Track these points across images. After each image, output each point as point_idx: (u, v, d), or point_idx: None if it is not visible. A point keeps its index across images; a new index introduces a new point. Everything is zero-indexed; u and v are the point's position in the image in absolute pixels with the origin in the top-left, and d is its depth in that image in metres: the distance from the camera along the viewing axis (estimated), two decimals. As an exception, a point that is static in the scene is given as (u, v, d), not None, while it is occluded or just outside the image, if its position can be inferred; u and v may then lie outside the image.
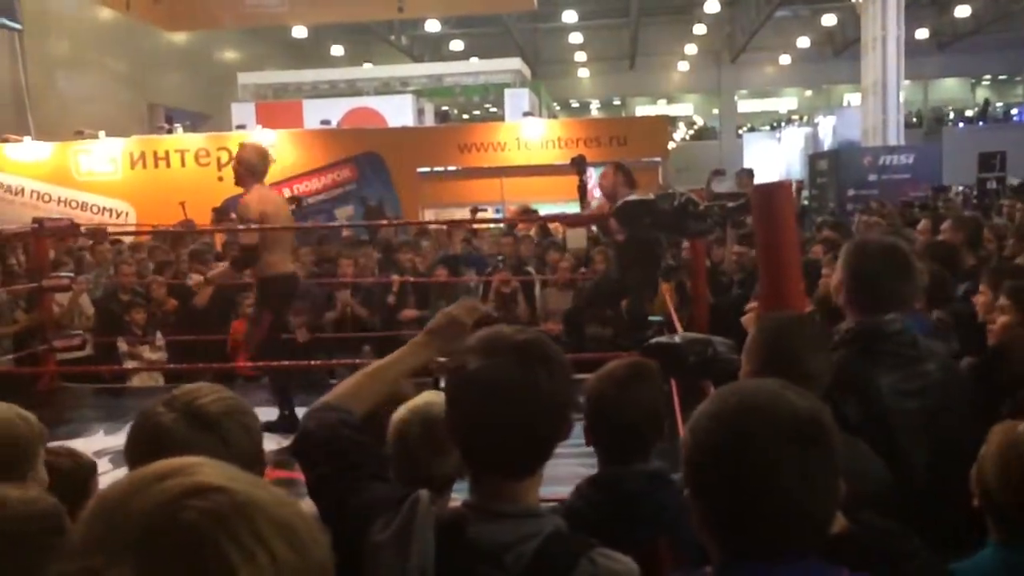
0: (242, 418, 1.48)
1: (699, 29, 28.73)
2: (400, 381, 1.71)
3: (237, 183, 5.57)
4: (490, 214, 12.98)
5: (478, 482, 1.35)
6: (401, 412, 2.00)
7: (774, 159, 25.70)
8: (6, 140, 13.82)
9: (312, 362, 6.20)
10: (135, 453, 1.47)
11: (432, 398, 2.00)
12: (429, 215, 13.47)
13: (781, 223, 2.10)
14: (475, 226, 10.26)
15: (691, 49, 30.67)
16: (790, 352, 1.81)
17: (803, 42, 29.65)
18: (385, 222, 11.16)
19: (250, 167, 5.55)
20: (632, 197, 2.75)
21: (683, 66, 32.29)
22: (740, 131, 32.36)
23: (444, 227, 9.89)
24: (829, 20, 27.82)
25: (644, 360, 2.20)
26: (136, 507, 0.62)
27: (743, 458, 1.10)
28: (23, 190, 13.61)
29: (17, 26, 13.38)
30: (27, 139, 14.19)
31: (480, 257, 8.61)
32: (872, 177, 15.25)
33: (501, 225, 10.22)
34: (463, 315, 1.71)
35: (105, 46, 18.52)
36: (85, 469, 2.12)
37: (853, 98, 27.54)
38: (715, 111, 34.12)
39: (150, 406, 1.49)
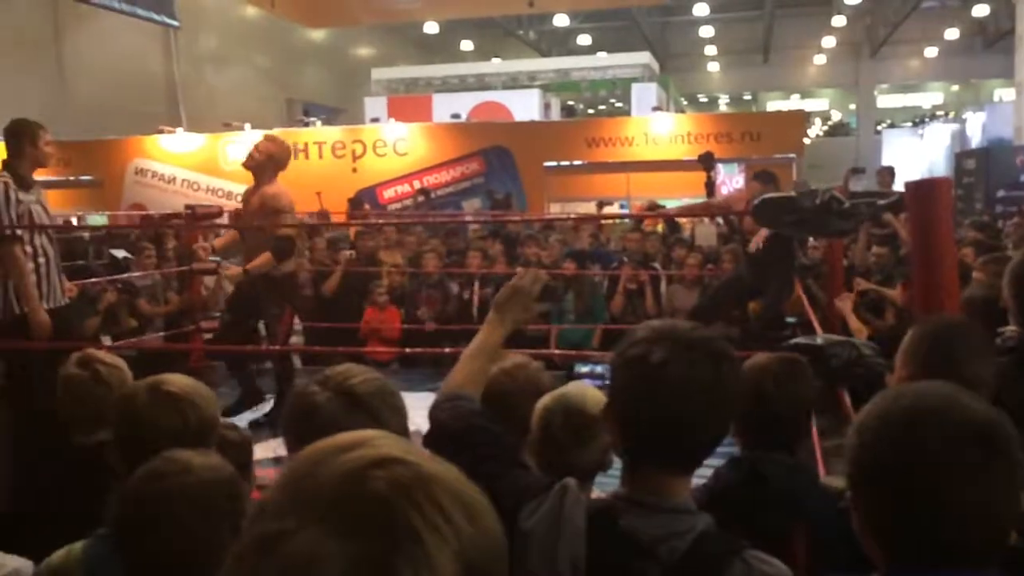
0: (390, 399, 1.56)
1: (838, 21, 27.58)
2: (495, 356, 1.74)
3: (256, 173, 5.59)
4: (615, 209, 12.93)
5: (634, 474, 1.33)
6: (545, 401, 2.03)
7: (915, 157, 24.44)
8: (160, 131, 14.73)
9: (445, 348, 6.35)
10: (291, 428, 1.57)
11: (578, 389, 2.03)
12: (555, 209, 13.53)
13: (938, 222, 2.01)
14: (601, 221, 10.24)
15: (828, 42, 29.49)
16: (951, 357, 1.73)
17: (951, 34, 28.01)
18: (514, 216, 11.26)
19: (277, 160, 5.63)
20: (772, 194, 2.69)
21: (819, 59, 31.09)
22: (879, 127, 30.92)
23: (569, 221, 9.91)
24: (981, 10, 26.15)
25: (798, 356, 2.16)
26: (324, 475, 0.65)
27: (913, 463, 1.06)
28: (175, 178, 14.47)
29: (175, 23, 14.22)
30: (179, 130, 15.09)
31: (606, 252, 8.59)
32: (1024, 178, 14.32)
33: (626, 220, 10.15)
34: (528, 285, 1.73)
35: (250, 43, 19.49)
36: (248, 443, 2.27)
37: (1005, 93, 25.84)
38: (852, 106, 32.72)
39: (304, 385, 1.58)
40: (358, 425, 1.43)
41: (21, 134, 4.68)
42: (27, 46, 14.47)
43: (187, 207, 8.18)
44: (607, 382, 2.60)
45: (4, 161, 4.73)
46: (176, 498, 1.45)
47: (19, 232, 4.55)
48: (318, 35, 21.86)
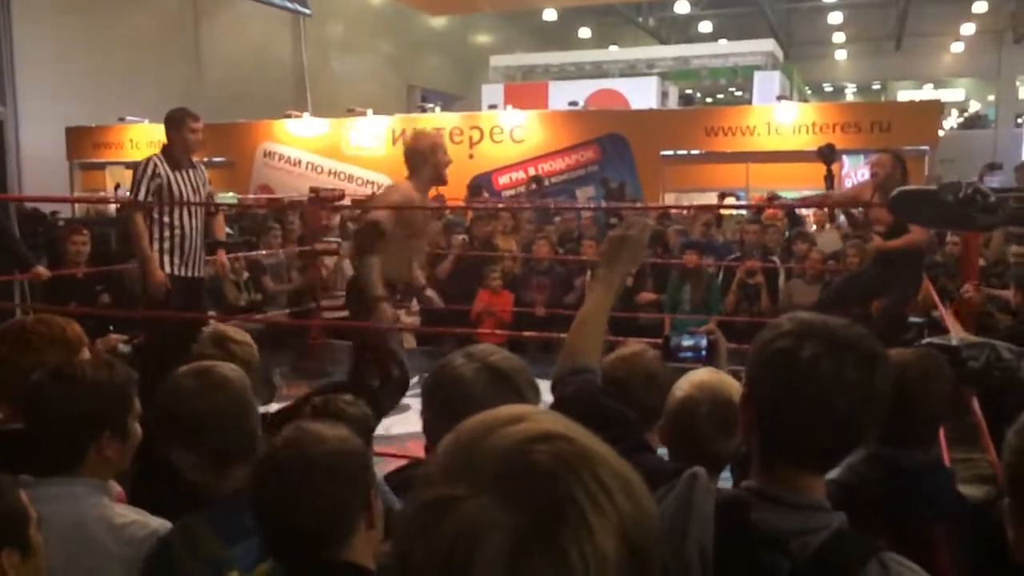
0: (527, 374, 1.63)
1: (979, 7, 25.99)
2: (607, 317, 1.72)
3: (411, 168, 5.07)
4: (732, 200, 12.63)
5: (770, 468, 1.30)
6: (687, 389, 2.01)
7: (1060, 152, 22.88)
8: (288, 116, 15.30)
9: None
10: (436, 395, 1.64)
11: (720, 378, 2.00)
12: (670, 199, 13.33)
13: (1095, 221, 1.89)
14: (721, 211, 10.04)
15: (968, 28, 27.86)
16: None
17: (1107, 20, 26.05)
18: (630, 204, 11.17)
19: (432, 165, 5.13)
20: (911, 186, 2.57)
21: (957, 47, 29.42)
22: (1020, 120, 29.04)
23: (685, 211, 9.76)
24: None
25: (937, 352, 2.08)
26: (490, 445, 0.67)
27: None
28: (300, 162, 15.01)
29: (307, 11, 14.69)
30: (305, 115, 15.63)
31: (723, 244, 8.42)
32: None
33: (743, 212, 9.92)
34: (636, 234, 1.70)
35: (374, 30, 19.98)
36: (370, 421, 2.35)
37: None
38: (991, 97, 30.86)
39: (448, 359, 1.66)
40: (501, 397, 1.50)
41: (170, 121, 5.31)
42: (169, 33, 15.29)
43: (311, 189, 8.49)
44: (702, 354, 2.56)
45: (163, 144, 5.35)
46: (312, 466, 1.50)
47: (149, 203, 5.13)
48: (438, 23, 22.18)
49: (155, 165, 5.17)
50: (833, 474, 1.42)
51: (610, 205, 10.94)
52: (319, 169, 14.86)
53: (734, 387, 1.95)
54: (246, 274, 7.61)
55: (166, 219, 5.19)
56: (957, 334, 2.60)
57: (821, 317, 1.31)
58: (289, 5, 13.98)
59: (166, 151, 5.26)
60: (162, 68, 14.97)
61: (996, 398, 2.32)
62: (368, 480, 1.57)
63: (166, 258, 5.17)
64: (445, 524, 0.64)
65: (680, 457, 1.52)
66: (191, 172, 5.33)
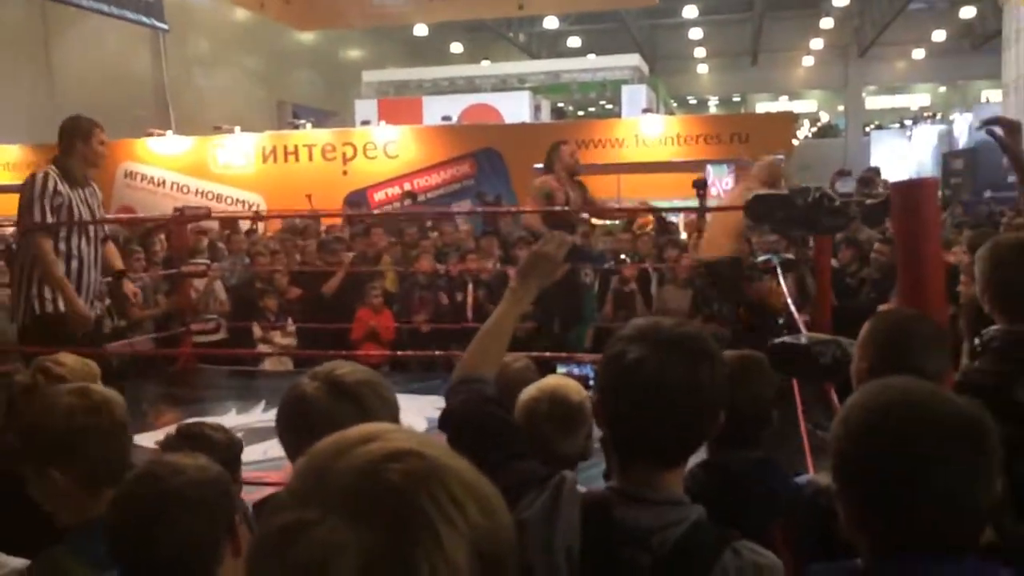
0: (378, 388, 1.60)
1: (826, 23, 27.75)
2: (511, 331, 1.72)
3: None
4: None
5: (626, 468, 1.36)
6: (531, 391, 2.06)
7: (903, 158, 24.58)
8: (150, 134, 14.69)
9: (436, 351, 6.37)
10: (283, 419, 1.63)
11: (560, 380, 2.06)
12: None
13: (924, 223, 2.04)
14: (593, 222, 10.24)
15: (817, 43, 29.65)
16: (907, 349, 1.78)
17: (938, 35, 28.19)
18: (506, 208, 11.26)
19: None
20: (764, 191, 2.71)
21: (808, 61, 31.26)
22: (867, 129, 31.09)
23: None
24: (968, 12, 26.34)
25: (754, 352, 2.20)
26: (342, 467, 0.67)
27: (901, 453, 1.09)
28: (164, 181, 14.44)
29: (164, 26, 14.20)
30: (168, 133, 15.05)
31: (598, 253, 8.60)
32: (1012, 179, 14.41)
33: (615, 222, 10.18)
34: (552, 249, 1.74)
35: (240, 45, 19.47)
36: (237, 444, 2.29)
37: (992, 95, 26.03)
38: (840, 108, 32.89)
39: (297, 380, 1.63)
40: (346, 413, 1.49)
41: (75, 130, 4.64)
42: (16, 49, 14.43)
43: (176, 209, 8.17)
44: (590, 382, 2.64)
45: (55, 157, 4.67)
46: (171, 499, 1.47)
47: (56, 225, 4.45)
48: (308, 38, 21.83)
49: (54, 181, 4.45)
50: None
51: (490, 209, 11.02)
52: (185, 189, 14.34)
53: (574, 388, 2.01)
54: (107, 300, 7.24)
55: (62, 246, 4.49)
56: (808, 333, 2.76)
57: (654, 321, 1.38)
58: (145, 20, 13.46)
59: (62, 166, 4.56)
60: (10, 87, 14.10)
61: (847, 390, 2.45)
62: (230, 507, 1.54)
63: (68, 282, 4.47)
64: (296, 548, 0.63)
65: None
66: (87, 191, 4.69)
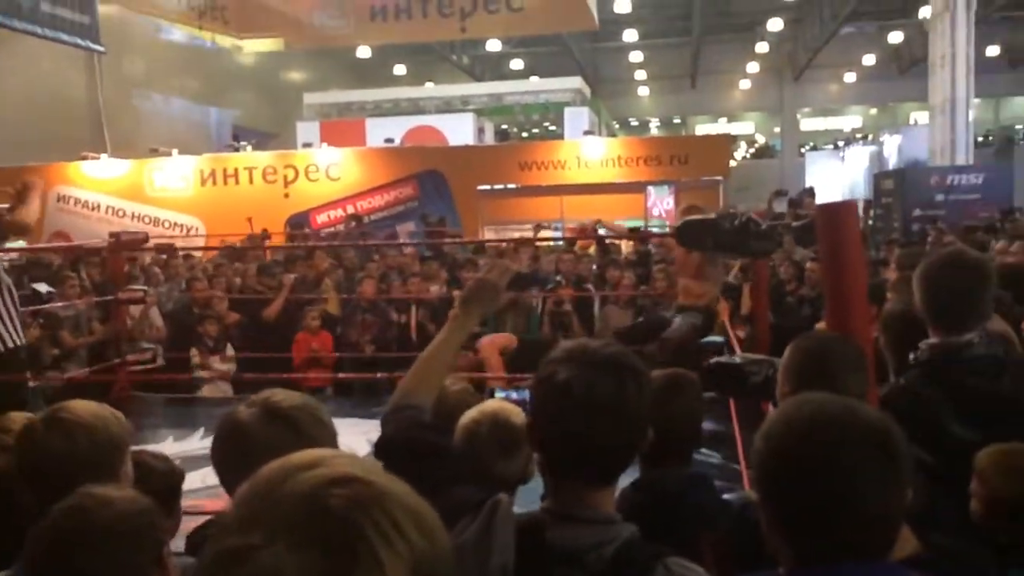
0: (314, 411, 1.57)
1: (761, 47, 28.49)
2: (455, 360, 1.73)
3: None
4: (549, 232, 13.07)
5: (558, 488, 1.38)
6: (472, 414, 2.07)
7: (837, 178, 25.28)
8: (84, 157, 14.37)
9: (378, 374, 6.32)
10: (219, 447, 1.59)
11: (501, 404, 2.07)
12: (489, 233, 13.60)
13: (846, 243, 2.10)
14: (537, 243, 10.32)
15: (753, 67, 30.42)
16: (825, 372, 1.83)
17: (868, 59, 29.16)
18: (447, 239, 11.28)
19: None
20: (693, 217, 2.78)
21: (745, 84, 32.02)
22: (802, 150, 31.91)
23: (504, 245, 9.96)
24: (896, 37, 27.32)
25: (682, 371, 2.24)
26: (285, 492, 0.67)
27: (816, 464, 1.14)
28: (99, 205, 14.13)
29: (100, 48, 13.93)
30: (103, 156, 14.74)
31: (543, 276, 8.66)
32: (939, 197, 14.88)
33: (560, 243, 10.26)
34: (495, 277, 1.76)
35: (178, 67, 19.17)
36: (177, 473, 2.26)
37: (920, 116, 26.93)
38: (777, 129, 33.73)
39: (232, 407, 1.60)
40: (281, 438, 1.46)
41: None
42: (-57, 71, 14.03)
43: (111, 234, 7.98)
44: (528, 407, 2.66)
45: None
46: (96, 533, 1.44)
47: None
48: (248, 59, 21.63)
49: None
50: None
51: (432, 240, 11.01)
52: (120, 212, 14.05)
53: (515, 411, 2.03)
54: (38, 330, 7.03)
55: None
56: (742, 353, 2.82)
57: (582, 343, 1.41)
58: (80, 42, 13.18)
59: None
60: (-64, 108, 13.71)
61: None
62: (159, 539, 1.52)
63: None
64: (238, 573, 0.63)
65: (472, 481, 1.55)
66: None
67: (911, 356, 2.30)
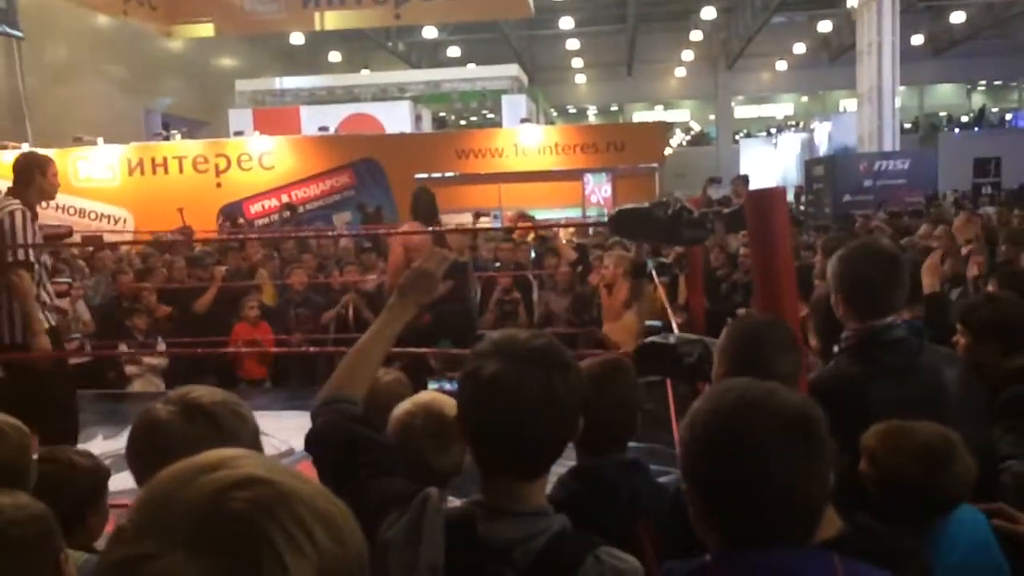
0: (235, 407, 1.52)
1: (696, 35, 28.85)
2: (388, 350, 1.70)
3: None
4: (487, 220, 13.06)
5: (488, 481, 1.37)
6: (405, 406, 2.04)
7: (770, 165, 25.80)
8: (4, 147, 13.83)
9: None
10: (135, 446, 1.52)
11: (435, 395, 2.05)
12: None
13: (775, 229, 2.13)
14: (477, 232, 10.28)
15: (688, 55, 30.79)
16: (759, 354, 1.86)
17: (799, 48, 29.76)
18: (384, 230, 11.17)
19: None
20: (626, 206, 2.78)
21: (680, 72, 32.39)
22: (736, 137, 32.47)
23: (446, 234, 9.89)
24: (825, 26, 27.95)
25: (618, 357, 2.25)
26: (185, 496, 0.65)
27: (740, 450, 1.15)
28: (21, 196, 13.63)
29: (18, 34, 13.43)
30: (25, 146, 14.20)
31: (481, 264, 8.65)
32: (868, 183, 15.30)
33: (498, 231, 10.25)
34: (432, 266, 1.74)
35: (102, 53, 18.56)
36: (103, 471, 2.19)
37: (849, 104, 27.64)
38: (712, 117, 34.24)
39: (149, 405, 1.54)
40: (200, 433, 1.43)
41: (33, 164, 4.72)
42: None
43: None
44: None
45: (10, 189, 4.69)
46: None
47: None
48: (177, 45, 21.06)
49: (24, 214, 4.51)
50: (548, 491, 1.50)
51: (369, 231, 10.90)
52: (43, 204, 13.57)
53: (449, 403, 2.02)
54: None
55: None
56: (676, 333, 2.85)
57: (509, 335, 1.39)
58: (-2, 28, 12.70)
59: (24, 198, 4.58)
60: None
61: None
62: (54, 546, 1.47)
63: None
64: None
65: (405, 474, 1.53)
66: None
67: (837, 343, 2.35)
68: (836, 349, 2.38)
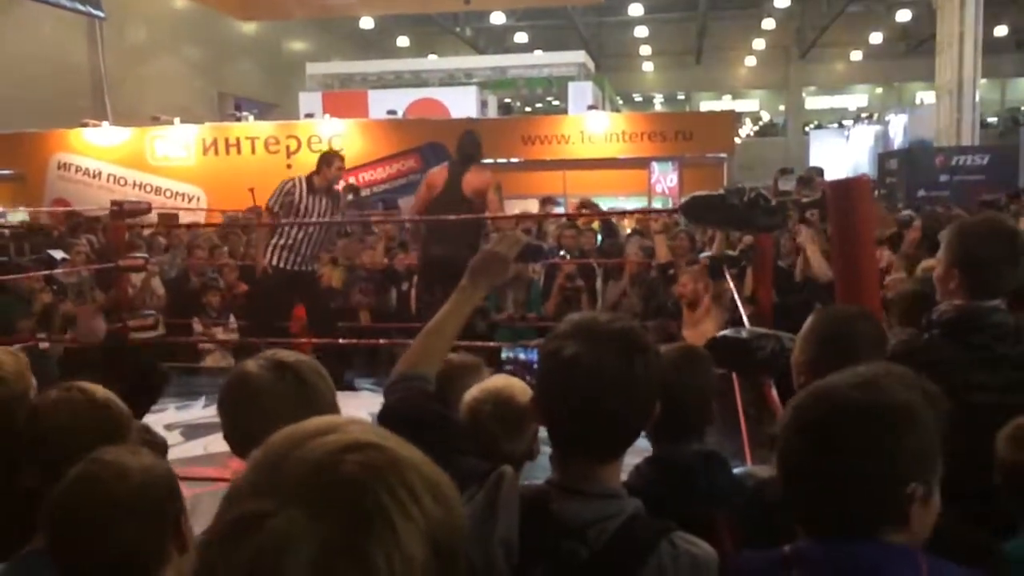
0: (317, 367, 1.67)
1: (768, 24, 28.25)
2: (458, 330, 1.72)
3: None
4: (558, 207, 13.02)
5: (564, 462, 1.37)
6: (474, 392, 2.05)
7: (841, 157, 25.15)
8: (85, 125, 14.29)
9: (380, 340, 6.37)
10: (228, 396, 1.65)
11: (505, 380, 2.05)
12: (491, 206, 13.53)
13: (858, 219, 2.08)
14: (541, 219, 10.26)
15: (759, 44, 30.19)
16: (846, 344, 1.82)
17: (875, 38, 28.94)
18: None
19: None
20: (701, 192, 2.75)
21: (750, 61, 31.80)
22: (807, 128, 31.75)
23: (511, 220, 9.91)
24: (904, 16, 27.10)
25: (695, 346, 2.22)
26: (300, 458, 0.66)
27: (829, 446, 1.14)
28: (100, 173, 14.07)
29: (101, 14, 13.83)
30: (105, 124, 14.66)
31: (548, 248, 8.61)
32: (944, 178, 14.84)
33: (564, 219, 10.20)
34: (505, 249, 1.73)
35: (180, 34, 19.04)
36: (160, 446, 2.23)
37: (926, 96, 26.80)
38: (782, 107, 33.54)
39: (241, 362, 1.69)
40: (287, 388, 1.57)
41: (322, 159, 6.62)
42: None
43: (113, 203, 7.95)
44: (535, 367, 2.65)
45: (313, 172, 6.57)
46: (114, 504, 1.41)
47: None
48: (250, 28, 21.47)
49: (294, 186, 6.47)
50: (623, 478, 1.50)
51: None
52: (122, 181, 13.99)
53: (519, 389, 2.02)
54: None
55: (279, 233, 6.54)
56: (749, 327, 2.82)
57: (590, 316, 1.40)
58: (81, 8, 13.08)
59: (308, 178, 6.51)
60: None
61: (785, 382, 2.48)
62: (177, 506, 1.50)
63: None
64: (250, 540, 0.63)
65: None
66: (326, 198, 6.52)
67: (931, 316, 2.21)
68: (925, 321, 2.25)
